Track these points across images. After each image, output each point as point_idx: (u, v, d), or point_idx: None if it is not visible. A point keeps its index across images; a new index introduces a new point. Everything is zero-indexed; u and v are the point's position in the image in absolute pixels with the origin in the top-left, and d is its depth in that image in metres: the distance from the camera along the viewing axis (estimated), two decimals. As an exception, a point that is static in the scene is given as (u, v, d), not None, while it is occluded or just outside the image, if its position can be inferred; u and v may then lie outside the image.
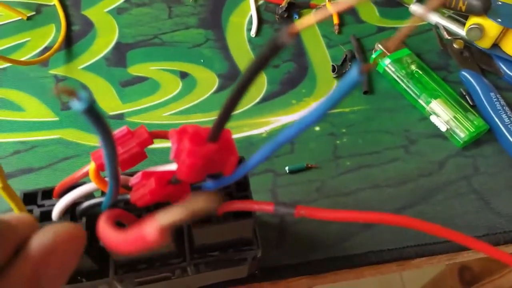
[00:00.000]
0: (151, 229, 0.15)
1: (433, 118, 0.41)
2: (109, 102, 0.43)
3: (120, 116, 0.42)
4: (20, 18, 0.48)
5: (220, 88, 0.44)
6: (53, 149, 0.39)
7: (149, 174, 0.23)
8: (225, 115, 0.18)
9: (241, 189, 0.27)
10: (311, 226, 0.35)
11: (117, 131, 0.24)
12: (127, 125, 0.23)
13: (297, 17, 0.49)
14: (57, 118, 0.41)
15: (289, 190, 0.37)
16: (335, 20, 0.48)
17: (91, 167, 0.24)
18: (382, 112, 0.42)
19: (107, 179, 0.22)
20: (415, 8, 0.50)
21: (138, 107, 0.42)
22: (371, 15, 0.50)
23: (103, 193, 0.26)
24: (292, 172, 0.38)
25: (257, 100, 0.43)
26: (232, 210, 0.25)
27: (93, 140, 0.39)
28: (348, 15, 0.50)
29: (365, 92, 0.43)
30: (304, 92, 0.43)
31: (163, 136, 0.26)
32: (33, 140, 0.40)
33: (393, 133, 0.40)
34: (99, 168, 0.25)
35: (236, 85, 0.16)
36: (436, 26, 0.48)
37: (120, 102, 0.43)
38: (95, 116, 0.15)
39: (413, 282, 0.99)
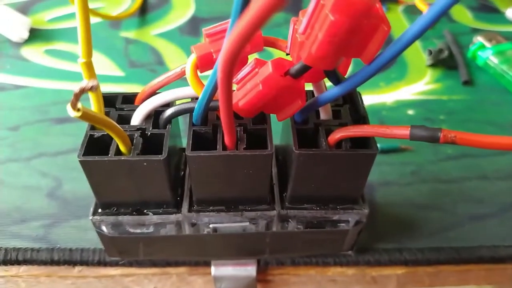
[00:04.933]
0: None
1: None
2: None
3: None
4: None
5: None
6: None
7: (263, 62, 0.18)
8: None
9: (357, 116, 0.22)
10: (406, 211, 0.29)
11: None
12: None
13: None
14: (123, 74, 0.38)
15: (381, 169, 0.31)
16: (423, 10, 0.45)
17: (191, 61, 0.20)
18: (485, 104, 0.37)
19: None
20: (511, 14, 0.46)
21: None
22: (464, 16, 0.47)
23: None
24: (383, 151, 0.32)
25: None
26: (350, 136, 0.20)
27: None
28: (439, 14, 0.46)
29: (465, 82, 0.38)
30: (393, 76, 0.39)
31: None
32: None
33: (500, 126, 0.35)
34: (200, 65, 0.20)
35: None
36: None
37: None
38: None
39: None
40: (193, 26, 0.43)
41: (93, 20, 0.43)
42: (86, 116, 0.17)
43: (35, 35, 0.42)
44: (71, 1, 0.40)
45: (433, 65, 0.40)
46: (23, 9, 0.44)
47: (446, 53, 0.39)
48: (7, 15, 0.41)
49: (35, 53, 0.40)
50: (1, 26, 0.41)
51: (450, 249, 0.27)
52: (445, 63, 0.40)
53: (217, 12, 0.45)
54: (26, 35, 0.41)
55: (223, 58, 0.14)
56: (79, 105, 0.16)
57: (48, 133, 0.33)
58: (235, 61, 0.14)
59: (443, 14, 0.14)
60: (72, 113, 0.16)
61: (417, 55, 0.41)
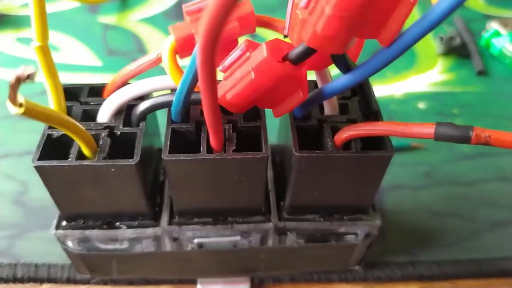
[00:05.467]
0: None
1: None
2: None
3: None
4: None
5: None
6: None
7: (256, 44, 0.15)
8: None
9: (368, 111, 0.18)
10: (420, 218, 0.26)
11: None
12: None
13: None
14: (100, 63, 0.34)
15: (391, 171, 0.28)
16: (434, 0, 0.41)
17: (169, 45, 0.17)
18: (501, 97, 0.33)
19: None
20: (526, -1, 0.43)
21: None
22: (475, 1, 0.43)
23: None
24: (392, 149, 0.29)
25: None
26: (362, 135, 0.17)
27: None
28: None
29: (479, 73, 0.35)
30: (401, 65, 0.36)
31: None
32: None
33: (520, 121, 0.32)
34: (180, 49, 0.17)
35: None
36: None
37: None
38: None
39: None
40: (180, 10, 0.39)
41: (70, 4, 0.39)
42: (32, 112, 0.13)
43: (5, 21, 0.38)
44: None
45: (445, 53, 0.36)
46: (-7, -6, 0.40)
47: (458, 41, 0.36)
48: (-25, -1, 0.37)
49: (5, 42, 0.36)
50: (-33, 11, 0.37)
51: (470, 262, 0.24)
52: (457, 51, 0.37)
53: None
54: (-5, 21, 0.37)
55: (203, 33, 0.10)
56: (21, 98, 0.12)
57: (15, 131, 0.29)
58: (219, 35, 0.10)
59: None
60: (13, 110, 0.12)
61: (426, 41, 0.38)
